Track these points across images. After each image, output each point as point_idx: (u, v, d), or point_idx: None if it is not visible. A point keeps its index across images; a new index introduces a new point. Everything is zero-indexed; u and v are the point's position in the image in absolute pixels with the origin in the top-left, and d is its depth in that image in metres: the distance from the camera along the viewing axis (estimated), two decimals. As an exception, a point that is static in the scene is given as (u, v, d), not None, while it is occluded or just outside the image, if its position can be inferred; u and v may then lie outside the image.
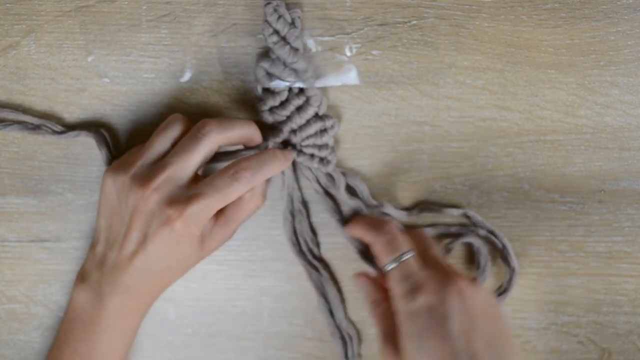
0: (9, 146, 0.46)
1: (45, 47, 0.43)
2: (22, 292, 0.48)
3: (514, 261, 0.46)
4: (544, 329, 0.49)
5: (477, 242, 0.46)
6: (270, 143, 0.43)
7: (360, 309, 0.48)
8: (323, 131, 0.43)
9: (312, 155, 0.44)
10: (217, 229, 0.42)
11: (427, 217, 0.47)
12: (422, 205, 0.46)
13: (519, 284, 0.48)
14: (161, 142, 0.41)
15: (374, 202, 0.45)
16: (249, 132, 0.42)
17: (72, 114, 0.45)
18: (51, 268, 0.48)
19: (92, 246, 0.42)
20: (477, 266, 0.46)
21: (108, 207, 0.41)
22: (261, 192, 0.43)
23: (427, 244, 0.44)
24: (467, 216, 0.46)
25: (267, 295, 0.48)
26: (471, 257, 0.48)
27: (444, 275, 0.39)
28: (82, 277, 0.42)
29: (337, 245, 0.47)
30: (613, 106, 0.44)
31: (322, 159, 0.44)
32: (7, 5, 0.43)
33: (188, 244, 0.40)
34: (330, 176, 0.45)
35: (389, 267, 0.41)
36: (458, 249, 0.48)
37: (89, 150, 0.45)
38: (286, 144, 0.44)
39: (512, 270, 0.46)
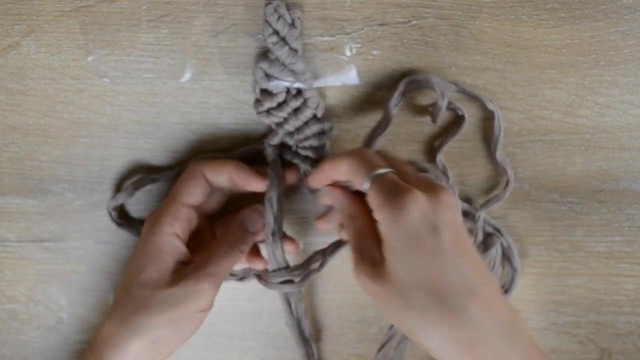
0: (8, 146, 0.46)
1: (45, 47, 0.43)
2: (22, 292, 0.48)
3: (517, 261, 0.46)
4: (544, 329, 0.49)
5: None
6: (266, 144, 0.44)
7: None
8: (321, 134, 0.43)
9: (306, 157, 0.44)
10: None
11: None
12: None
13: (519, 284, 0.48)
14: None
15: None
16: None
17: (72, 114, 0.45)
18: (51, 268, 0.48)
19: None
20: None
21: None
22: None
23: (403, 165, 0.39)
24: (472, 214, 0.46)
25: (267, 295, 0.48)
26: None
27: (431, 186, 0.35)
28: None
29: (337, 245, 0.47)
30: (613, 106, 0.44)
31: (315, 161, 0.44)
32: (7, 5, 0.43)
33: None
34: None
35: (368, 183, 0.36)
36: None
37: (89, 150, 0.45)
38: (282, 146, 0.44)
39: (514, 270, 0.46)
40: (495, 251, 0.46)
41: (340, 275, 0.48)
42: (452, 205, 0.35)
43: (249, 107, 0.45)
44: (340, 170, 0.39)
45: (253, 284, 0.48)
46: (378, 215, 0.35)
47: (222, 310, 0.49)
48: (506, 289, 0.47)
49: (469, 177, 0.46)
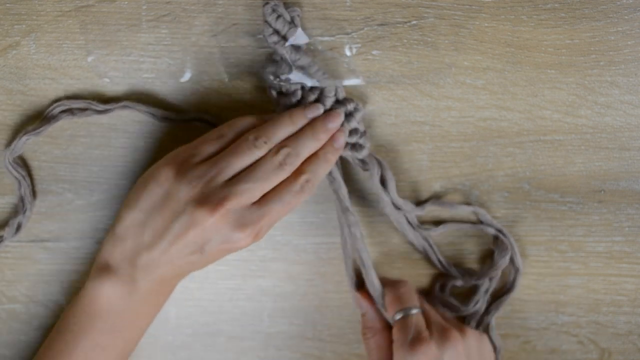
0: (9, 146, 0.45)
1: (45, 47, 0.43)
2: (22, 292, 0.48)
3: (519, 261, 0.46)
4: (544, 329, 0.49)
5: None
6: None
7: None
8: (349, 115, 0.43)
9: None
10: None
11: (436, 212, 0.47)
12: (435, 199, 0.46)
13: (519, 284, 0.48)
14: (232, 155, 0.39)
15: (399, 200, 0.45)
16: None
17: (72, 114, 0.45)
18: (51, 268, 0.48)
19: (116, 238, 0.40)
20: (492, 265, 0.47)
21: (148, 203, 0.40)
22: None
23: (428, 306, 0.46)
24: (475, 214, 0.46)
25: (267, 295, 0.48)
26: (482, 256, 0.48)
27: (444, 333, 0.42)
28: (108, 270, 0.40)
29: (336, 245, 0.47)
30: (613, 106, 0.44)
31: (353, 145, 0.44)
32: (7, 5, 0.43)
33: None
34: (364, 163, 0.44)
35: (397, 316, 0.43)
36: (470, 247, 0.48)
37: (88, 150, 0.45)
38: None
39: (516, 270, 0.46)
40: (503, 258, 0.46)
41: (340, 275, 0.48)
42: (457, 350, 0.42)
43: (249, 107, 0.45)
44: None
45: (253, 283, 0.48)
46: (395, 351, 0.43)
47: (222, 310, 0.49)
48: (508, 289, 0.47)
49: (469, 177, 0.46)
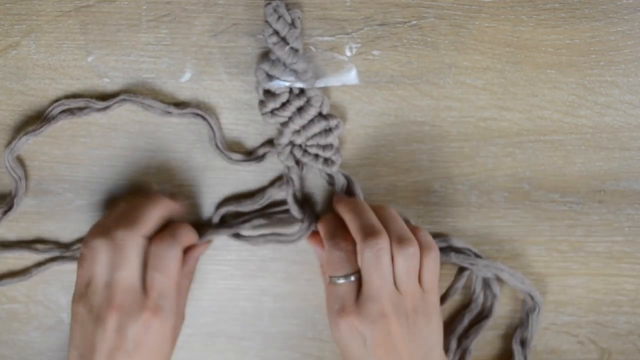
0: (9, 146, 0.45)
1: (45, 47, 0.43)
2: (22, 292, 0.48)
3: (496, 288, 0.46)
4: (544, 329, 0.49)
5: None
6: (276, 144, 0.44)
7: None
8: (328, 131, 0.43)
9: (316, 156, 0.44)
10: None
11: (435, 214, 0.47)
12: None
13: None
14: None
15: None
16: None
17: (72, 114, 0.45)
18: (51, 268, 0.48)
19: None
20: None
21: None
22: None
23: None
24: (451, 247, 0.46)
25: (267, 295, 0.48)
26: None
27: (371, 306, 0.39)
28: None
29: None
30: (613, 106, 0.44)
31: (326, 160, 0.44)
32: (7, 5, 0.43)
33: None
34: (332, 177, 0.45)
35: (331, 280, 0.41)
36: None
37: (88, 150, 0.45)
38: (293, 146, 0.44)
39: (493, 296, 0.47)
40: (476, 277, 0.46)
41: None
42: (387, 324, 0.39)
43: (249, 107, 0.45)
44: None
45: (253, 283, 0.48)
46: (327, 312, 0.42)
47: (222, 310, 0.49)
48: (486, 315, 0.47)
49: (469, 177, 0.46)
